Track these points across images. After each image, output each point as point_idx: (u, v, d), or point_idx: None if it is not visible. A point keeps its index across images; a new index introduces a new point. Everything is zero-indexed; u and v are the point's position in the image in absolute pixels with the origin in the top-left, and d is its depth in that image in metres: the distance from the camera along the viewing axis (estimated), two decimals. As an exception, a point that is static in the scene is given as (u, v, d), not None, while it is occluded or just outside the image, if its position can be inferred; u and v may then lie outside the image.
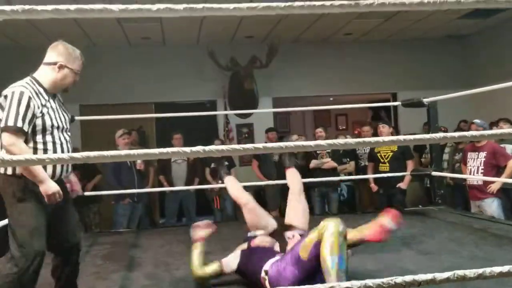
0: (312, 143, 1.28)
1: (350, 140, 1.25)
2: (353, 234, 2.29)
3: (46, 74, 2.28)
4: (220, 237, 3.73)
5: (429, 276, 1.26)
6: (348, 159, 5.93)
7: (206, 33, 7.09)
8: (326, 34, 7.51)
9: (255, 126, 7.84)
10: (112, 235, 4.29)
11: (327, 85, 8.06)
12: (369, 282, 1.22)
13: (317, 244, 1.99)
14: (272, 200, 5.99)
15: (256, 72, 7.55)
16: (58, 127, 2.21)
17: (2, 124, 2.04)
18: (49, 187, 2.06)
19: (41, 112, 2.14)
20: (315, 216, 4.98)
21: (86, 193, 4.27)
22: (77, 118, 4.49)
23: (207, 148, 1.29)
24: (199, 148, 1.27)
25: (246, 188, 6.23)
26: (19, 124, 2.03)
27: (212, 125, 7.77)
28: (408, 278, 1.24)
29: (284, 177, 3.27)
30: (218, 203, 6.26)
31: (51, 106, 2.22)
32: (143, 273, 2.39)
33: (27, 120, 2.06)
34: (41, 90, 2.21)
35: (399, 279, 1.23)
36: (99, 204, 5.97)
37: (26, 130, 2.06)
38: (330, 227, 1.99)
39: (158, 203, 7.11)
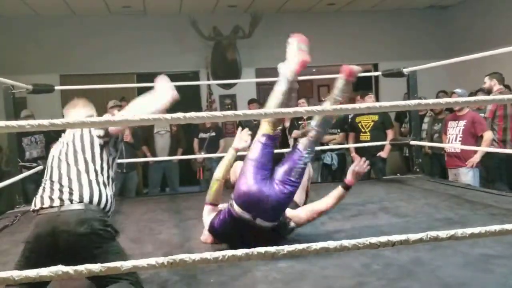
0: (291, 109, 1.31)
1: (328, 107, 1.28)
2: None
3: None
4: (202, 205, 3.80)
5: (403, 237, 1.31)
6: (338, 130, 5.97)
7: (188, 2, 6.96)
8: (309, 3, 7.45)
9: (238, 97, 7.82)
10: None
11: (310, 56, 8.03)
12: (345, 242, 1.27)
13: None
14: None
15: (239, 43, 7.49)
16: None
17: None
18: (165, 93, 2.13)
19: None
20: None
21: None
22: (57, 88, 4.43)
23: (188, 114, 1.31)
24: (179, 114, 1.29)
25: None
26: None
27: (195, 96, 7.72)
28: (383, 238, 1.29)
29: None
30: (201, 174, 6.31)
31: None
32: (126, 237, 2.44)
33: None
34: None
35: (373, 240, 1.28)
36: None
37: None
38: None
39: (142, 174, 7.12)
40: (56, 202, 1.83)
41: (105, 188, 1.94)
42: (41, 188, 1.94)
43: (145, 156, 6.05)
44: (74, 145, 2.00)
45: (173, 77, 8.04)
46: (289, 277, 2.23)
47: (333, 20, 7.98)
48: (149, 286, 2.13)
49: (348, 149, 5.91)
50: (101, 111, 6.13)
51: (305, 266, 2.32)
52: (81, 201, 1.84)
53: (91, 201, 1.86)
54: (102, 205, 1.90)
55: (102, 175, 1.96)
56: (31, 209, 1.92)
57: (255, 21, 7.29)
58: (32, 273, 1.22)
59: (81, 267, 1.24)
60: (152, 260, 1.26)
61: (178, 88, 6.48)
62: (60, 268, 1.22)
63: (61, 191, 1.85)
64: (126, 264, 1.26)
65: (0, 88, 3.95)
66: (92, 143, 2.00)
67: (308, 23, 7.86)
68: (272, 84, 10.18)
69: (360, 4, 7.60)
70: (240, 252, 1.27)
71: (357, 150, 5.65)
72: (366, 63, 8.38)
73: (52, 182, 1.91)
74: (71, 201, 1.83)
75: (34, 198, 1.92)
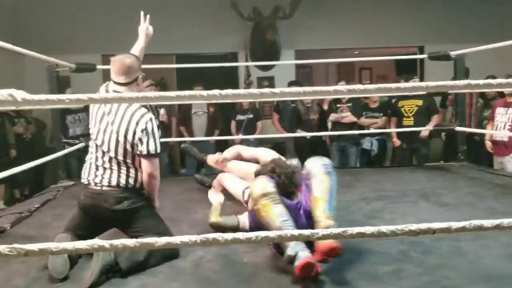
0: (330, 88, 1.26)
1: (370, 86, 1.22)
2: None
3: (133, 91, 2.32)
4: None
5: (444, 224, 1.25)
6: (381, 114, 5.80)
7: (228, -18, 6.90)
8: (352, -17, 7.23)
9: (276, 79, 7.73)
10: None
11: (352, 38, 7.81)
12: (382, 228, 1.23)
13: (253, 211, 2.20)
14: (292, 153, 6.00)
15: (279, 24, 7.37)
16: None
17: (152, 150, 2.24)
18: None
19: None
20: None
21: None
22: (98, 67, 4.52)
23: (224, 92, 1.28)
24: (215, 91, 1.27)
25: (266, 140, 6.24)
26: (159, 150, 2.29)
27: (233, 77, 7.69)
28: (423, 226, 1.24)
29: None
30: (240, 156, 6.33)
31: None
32: (163, 216, 2.48)
33: None
34: None
35: (413, 227, 1.23)
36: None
37: None
38: (253, 193, 2.12)
39: (179, 154, 7.21)
40: (99, 182, 2.28)
41: (136, 170, 2.30)
42: (88, 162, 2.34)
43: (182, 136, 6.12)
44: (118, 131, 2.24)
45: (211, 59, 8.04)
46: (323, 261, 2.21)
47: (377, 1, 7.70)
48: (183, 263, 2.16)
49: (389, 135, 5.74)
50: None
51: (340, 251, 2.28)
52: (118, 184, 2.27)
53: (126, 183, 2.29)
54: (137, 185, 2.32)
55: (135, 159, 2.29)
56: (82, 180, 2.37)
57: (296, 1, 7.15)
58: (69, 245, 1.24)
59: (117, 242, 1.25)
60: (185, 238, 1.26)
61: (216, 69, 6.47)
62: (96, 242, 1.24)
63: (102, 175, 2.29)
64: (160, 240, 1.26)
65: (44, 66, 4.06)
66: (133, 137, 2.24)
67: (350, 3, 7.65)
68: (311, 67, 9.93)
69: (406, -16, 7.30)
70: (273, 234, 1.26)
71: (399, 135, 5.49)
72: (411, 46, 8.09)
73: (96, 162, 2.31)
74: (109, 183, 2.27)
75: (84, 170, 2.35)
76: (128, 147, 2.24)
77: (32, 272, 2.11)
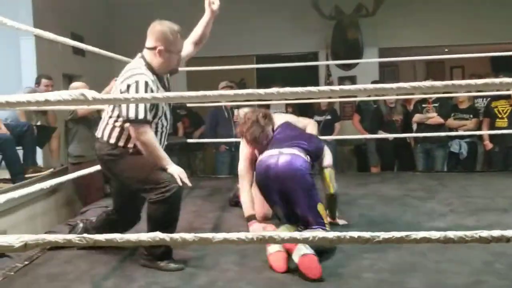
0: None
1: (425, 83, 1.14)
2: None
3: (152, 59, 2.27)
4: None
5: (522, 232, 1.14)
6: (471, 116, 5.41)
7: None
8: (441, -24, 6.83)
9: (358, 79, 7.52)
10: (213, 180, 4.55)
11: (441, 34, 7.38)
12: (449, 233, 1.14)
13: None
14: (373, 155, 5.81)
15: (362, 21, 7.18)
16: (163, 115, 2.29)
17: (132, 116, 2.12)
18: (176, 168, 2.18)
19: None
20: (418, 173, 4.77)
21: (189, 140, 4.57)
22: (181, 69, 4.68)
23: (281, 89, 1.28)
24: (273, 90, 1.28)
25: (346, 141, 6.08)
26: (147, 117, 2.14)
27: (313, 77, 7.62)
28: (495, 232, 1.13)
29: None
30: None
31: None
32: (236, 214, 2.53)
33: (149, 111, 2.15)
34: (154, 77, 2.24)
35: (484, 233, 1.13)
36: (204, 152, 6.34)
37: (150, 120, 2.18)
38: None
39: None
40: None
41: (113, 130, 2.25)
42: None
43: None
44: None
45: (291, 59, 7.98)
46: (397, 268, 2.12)
47: (469, -7, 7.21)
48: (252, 262, 2.18)
49: (480, 137, 5.32)
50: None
51: (416, 258, 2.19)
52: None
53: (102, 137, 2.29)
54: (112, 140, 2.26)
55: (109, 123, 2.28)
56: None
57: (380, -2, 6.92)
58: (133, 237, 1.31)
59: (176, 236, 1.29)
60: (242, 235, 1.27)
61: (296, 69, 6.44)
62: (157, 235, 1.29)
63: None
64: (217, 236, 1.28)
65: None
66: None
67: (438, -3, 7.25)
68: (397, 65, 9.40)
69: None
70: (331, 234, 1.22)
71: (492, 137, 5.08)
72: (506, 42, 7.46)
73: None
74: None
75: None
76: None
77: (112, 262, 2.26)
